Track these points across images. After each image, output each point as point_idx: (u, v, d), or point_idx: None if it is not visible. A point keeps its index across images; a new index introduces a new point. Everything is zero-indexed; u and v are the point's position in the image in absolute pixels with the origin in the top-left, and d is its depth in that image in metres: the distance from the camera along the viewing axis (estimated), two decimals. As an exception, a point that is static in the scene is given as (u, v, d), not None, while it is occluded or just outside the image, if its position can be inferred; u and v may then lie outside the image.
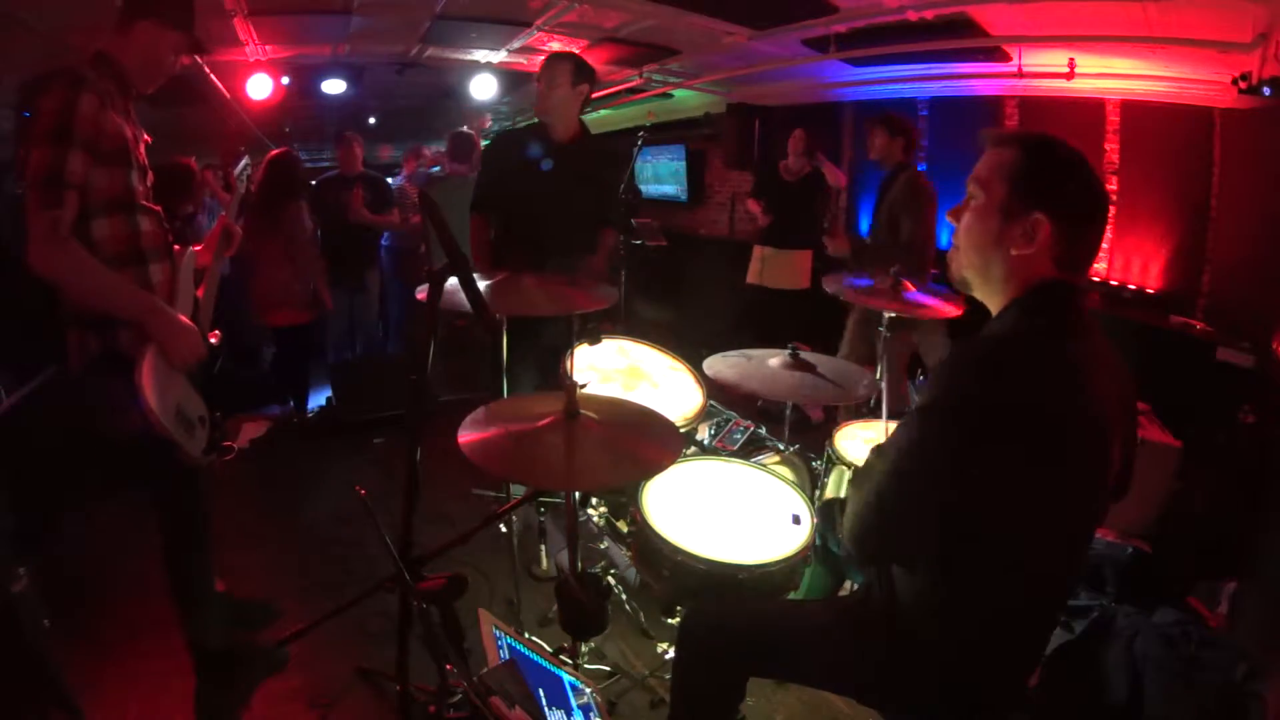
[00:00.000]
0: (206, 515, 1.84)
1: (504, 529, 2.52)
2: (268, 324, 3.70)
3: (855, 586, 1.65)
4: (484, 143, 4.65)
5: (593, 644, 2.08)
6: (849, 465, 2.11)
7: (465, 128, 4.79)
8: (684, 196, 6.81)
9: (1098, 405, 1.04)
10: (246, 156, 2.22)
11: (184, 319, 1.66)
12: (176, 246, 1.78)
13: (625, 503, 1.93)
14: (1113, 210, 3.66)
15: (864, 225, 5.20)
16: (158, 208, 1.70)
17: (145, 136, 1.70)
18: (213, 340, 1.81)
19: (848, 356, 3.46)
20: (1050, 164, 1.11)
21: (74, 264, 1.46)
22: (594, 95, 2.70)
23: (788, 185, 4.32)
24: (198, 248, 1.89)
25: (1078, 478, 1.06)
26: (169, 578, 1.81)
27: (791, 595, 1.66)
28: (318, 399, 4.27)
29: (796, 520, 1.69)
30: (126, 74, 1.63)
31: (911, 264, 3.18)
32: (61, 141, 1.44)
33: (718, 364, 2.02)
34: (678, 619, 1.71)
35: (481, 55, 4.73)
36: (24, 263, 1.43)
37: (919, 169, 3.47)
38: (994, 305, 1.19)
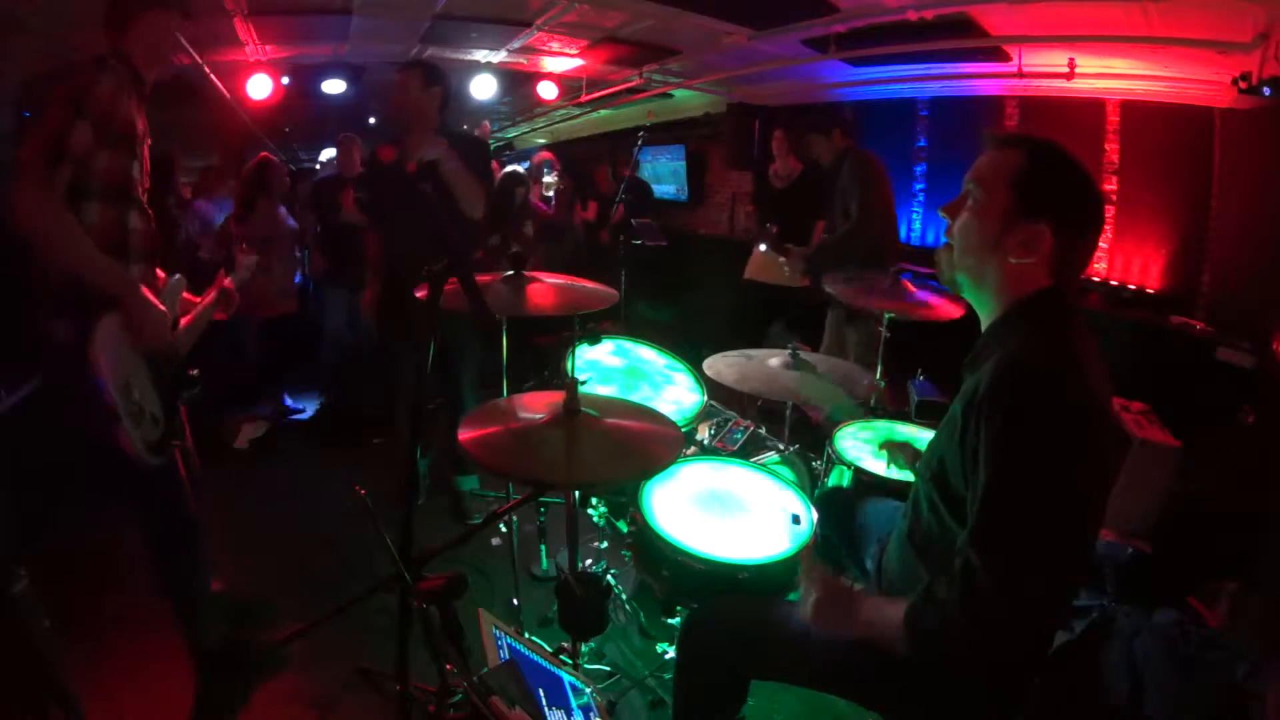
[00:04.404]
0: (189, 519, 1.81)
1: (504, 529, 2.53)
2: (251, 318, 3.80)
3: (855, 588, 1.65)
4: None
5: (593, 644, 2.08)
6: (849, 465, 2.11)
7: (465, 128, 4.79)
8: (684, 196, 6.82)
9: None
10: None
11: (156, 302, 1.65)
12: (162, 276, 1.80)
13: (625, 503, 1.93)
14: (1113, 210, 3.66)
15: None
16: (151, 211, 1.70)
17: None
18: (191, 374, 1.82)
19: (828, 350, 3.46)
20: (1056, 173, 1.08)
21: (55, 220, 1.45)
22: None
23: (778, 191, 4.27)
24: (208, 296, 1.94)
25: (1111, 476, 1.06)
26: (158, 582, 1.80)
27: (792, 596, 1.66)
28: (313, 399, 4.28)
29: (796, 520, 1.69)
30: (138, 68, 1.65)
31: (865, 245, 3.14)
32: (74, 110, 1.46)
33: (718, 364, 2.02)
34: (678, 619, 1.71)
35: (481, 55, 4.73)
36: (18, 258, 1.44)
37: (863, 148, 3.48)
38: (984, 310, 1.18)
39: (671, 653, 1.81)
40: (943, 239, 1.20)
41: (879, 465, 2.08)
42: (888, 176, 3.50)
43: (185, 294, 1.89)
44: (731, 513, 1.77)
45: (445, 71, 2.64)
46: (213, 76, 4.16)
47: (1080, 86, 3.45)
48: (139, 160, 1.63)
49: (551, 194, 5.31)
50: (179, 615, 1.83)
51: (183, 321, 1.84)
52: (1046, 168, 1.08)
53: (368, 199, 2.88)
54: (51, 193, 1.44)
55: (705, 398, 2.32)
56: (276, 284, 3.81)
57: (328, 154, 5.54)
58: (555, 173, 5.10)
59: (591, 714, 1.33)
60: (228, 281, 2.02)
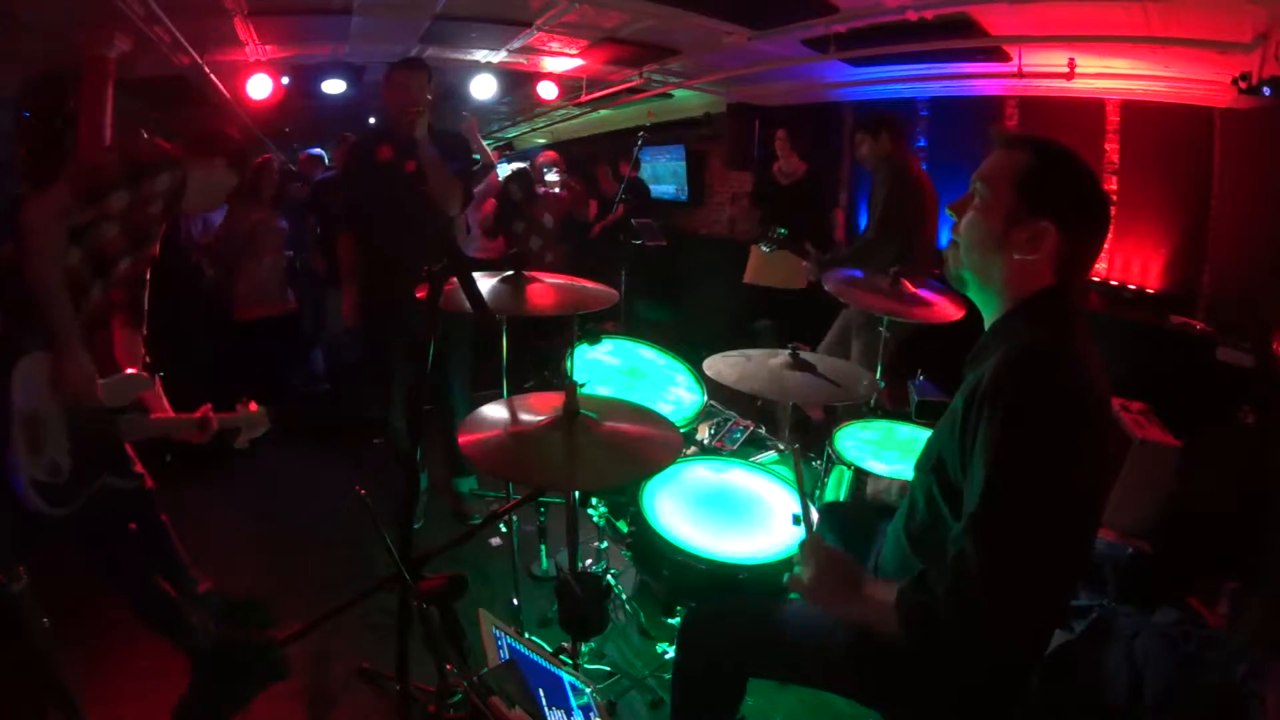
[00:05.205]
0: (123, 553, 1.82)
1: (504, 529, 2.53)
2: (240, 319, 3.84)
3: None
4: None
5: (593, 644, 2.08)
6: (849, 465, 2.10)
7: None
8: (684, 196, 6.81)
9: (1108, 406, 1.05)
10: None
11: (89, 365, 1.64)
12: (132, 369, 1.81)
13: (625, 503, 1.93)
14: (1112, 210, 3.64)
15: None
16: (119, 300, 1.77)
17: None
18: (136, 470, 1.85)
19: (828, 349, 3.45)
20: (1061, 172, 1.09)
21: (50, 242, 1.51)
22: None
23: (781, 188, 4.30)
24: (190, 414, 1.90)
25: (1109, 476, 1.07)
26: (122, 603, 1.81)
27: (792, 595, 1.66)
28: (314, 398, 4.28)
29: (797, 520, 1.69)
30: (187, 187, 1.74)
31: (885, 257, 3.10)
32: (129, 178, 1.57)
33: (718, 364, 2.02)
34: (678, 619, 1.71)
35: (481, 55, 4.73)
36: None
37: (906, 159, 3.39)
38: (988, 308, 1.18)
39: (671, 653, 1.82)
40: (947, 238, 1.22)
41: (879, 465, 2.08)
42: (928, 189, 3.37)
43: (159, 389, 1.88)
44: (731, 513, 1.77)
45: (433, 70, 2.66)
46: (213, 76, 4.15)
47: (1080, 86, 3.44)
48: (132, 258, 1.71)
49: (559, 190, 5.31)
50: (156, 633, 1.84)
51: (153, 415, 1.84)
52: (1051, 167, 1.09)
53: (358, 197, 2.83)
54: (62, 221, 1.51)
55: (705, 398, 2.32)
56: (258, 284, 3.83)
57: (310, 152, 5.54)
58: (557, 170, 5.11)
59: (591, 714, 1.33)
60: (212, 414, 1.92)
